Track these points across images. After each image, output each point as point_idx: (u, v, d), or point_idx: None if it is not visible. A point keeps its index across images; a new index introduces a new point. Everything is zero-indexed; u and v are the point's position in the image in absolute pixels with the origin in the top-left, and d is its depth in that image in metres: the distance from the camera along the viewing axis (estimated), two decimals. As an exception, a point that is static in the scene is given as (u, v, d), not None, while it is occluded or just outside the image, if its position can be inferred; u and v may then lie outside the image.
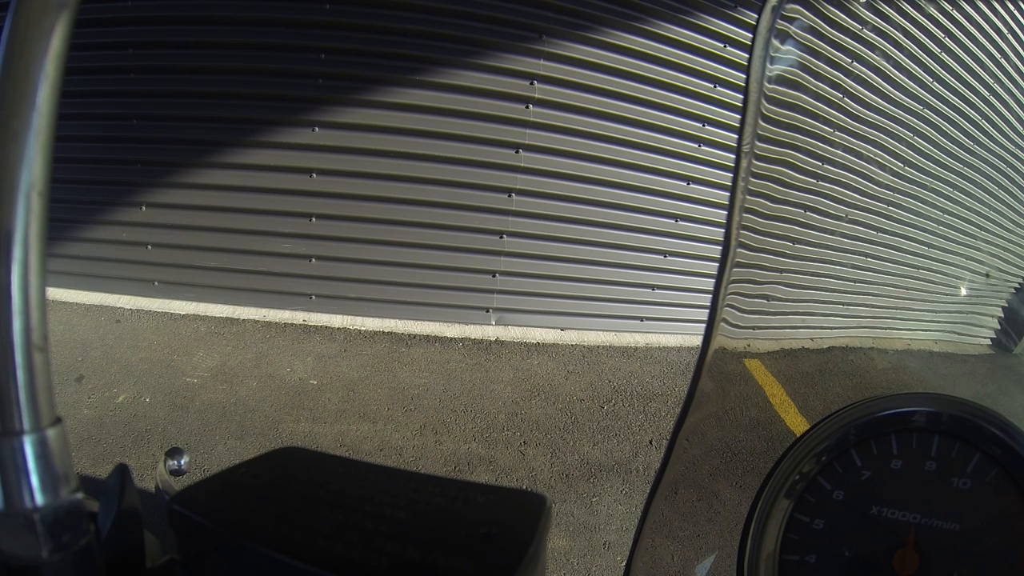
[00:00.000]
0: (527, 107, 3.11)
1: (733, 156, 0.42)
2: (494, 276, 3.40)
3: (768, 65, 0.41)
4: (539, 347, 3.34)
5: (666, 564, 0.48)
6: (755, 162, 0.42)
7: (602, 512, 2.16)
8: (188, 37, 2.92)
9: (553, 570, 1.89)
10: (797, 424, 0.47)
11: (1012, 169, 0.54)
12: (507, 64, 3.02)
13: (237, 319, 3.22)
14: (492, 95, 3.06)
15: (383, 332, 3.26)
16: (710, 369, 0.45)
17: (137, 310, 3.21)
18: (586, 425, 2.67)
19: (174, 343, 2.95)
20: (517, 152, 3.17)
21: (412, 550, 0.20)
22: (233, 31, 2.90)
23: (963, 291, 0.56)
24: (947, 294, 0.57)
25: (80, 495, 0.22)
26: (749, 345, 0.48)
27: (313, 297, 3.33)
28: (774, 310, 0.50)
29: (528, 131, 3.14)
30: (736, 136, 0.42)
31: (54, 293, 3.19)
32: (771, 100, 0.41)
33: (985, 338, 0.55)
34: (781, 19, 0.40)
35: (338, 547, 0.20)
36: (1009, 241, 0.54)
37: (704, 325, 0.44)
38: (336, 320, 3.30)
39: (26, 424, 0.20)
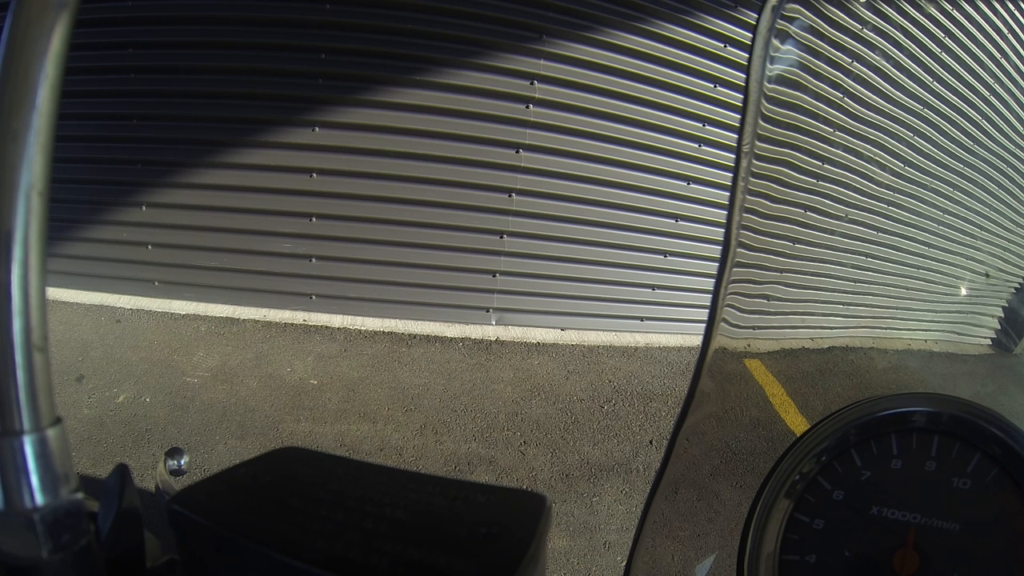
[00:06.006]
0: (527, 107, 3.11)
1: (733, 156, 0.41)
2: (494, 276, 3.40)
3: (768, 65, 0.41)
4: (539, 347, 3.34)
5: (666, 564, 0.48)
6: (755, 162, 0.42)
7: (602, 512, 2.16)
8: (188, 37, 2.92)
9: (553, 570, 1.88)
10: (797, 424, 0.47)
11: (1012, 169, 0.54)
12: (507, 64, 3.02)
13: (237, 319, 3.22)
14: (492, 95, 3.06)
15: (383, 332, 3.26)
16: (710, 369, 0.44)
17: (137, 310, 3.21)
18: (586, 425, 2.67)
19: (174, 343, 2.95)
20: (517, 152, 3.17)
21: (412, 550, 0.20)
22: (233, 31, 2.89)
23: (963, 291, 0.56)
24: (947, 294, 0.57)
25: (80, 495, 0.22)
26: (749, 345, 0.48)
27: (313, 297, 3.33)
28: (774, 310, 0.50)
29: (528, 131, 3.14)
30: (736, 136, 0.42)
31: (54, 293, 3.19)
32: (771, 100, 0.41)
33: (985, 338, 0.55)
34: (781, 19, 0.40)
35: (338, 547, 0.20)
36: (1009, 241, 0.54)
37: (704, 325, 0.44)
38: (336, 320, 3.30)
39: (26, 424, 0.20)
